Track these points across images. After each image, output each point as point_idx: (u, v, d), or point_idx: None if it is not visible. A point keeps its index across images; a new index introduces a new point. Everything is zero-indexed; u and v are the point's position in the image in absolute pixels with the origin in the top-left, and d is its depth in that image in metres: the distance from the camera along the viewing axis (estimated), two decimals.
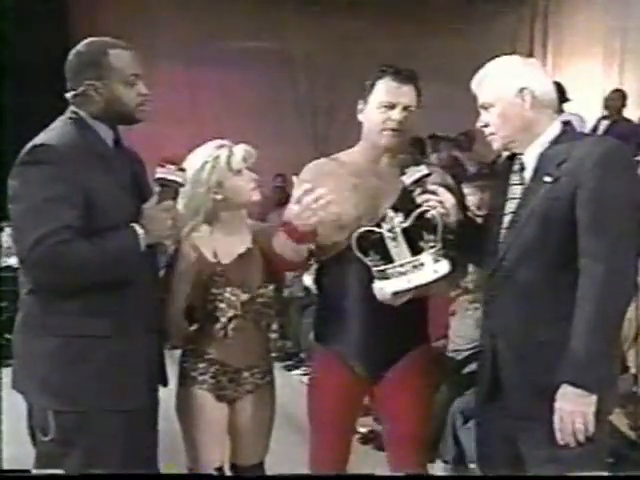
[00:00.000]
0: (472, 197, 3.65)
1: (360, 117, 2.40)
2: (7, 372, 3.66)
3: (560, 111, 5.90)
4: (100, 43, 2.17)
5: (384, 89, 2.33)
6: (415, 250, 2.13)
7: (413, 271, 2.11)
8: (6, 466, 2.87)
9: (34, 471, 2.11)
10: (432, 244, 2.11)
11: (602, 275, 1.91)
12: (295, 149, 8.11)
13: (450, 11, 9.02)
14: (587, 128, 6.22)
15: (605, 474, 2.02)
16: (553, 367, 1.95)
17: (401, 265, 2.12)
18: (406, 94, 2.33)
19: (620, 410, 3.29)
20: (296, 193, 2.20)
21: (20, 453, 2.64)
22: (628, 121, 6.49)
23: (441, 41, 8.96)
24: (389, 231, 2.15)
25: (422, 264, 2.10)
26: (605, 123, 6.46)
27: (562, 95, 6.16)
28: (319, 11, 9.25)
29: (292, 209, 2.20)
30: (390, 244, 2.14)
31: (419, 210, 2.16)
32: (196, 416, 2.35)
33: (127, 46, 2.18)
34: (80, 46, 2.17)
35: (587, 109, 6.65)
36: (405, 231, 2.15)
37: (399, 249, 2.14)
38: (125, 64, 2.14)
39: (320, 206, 2.16)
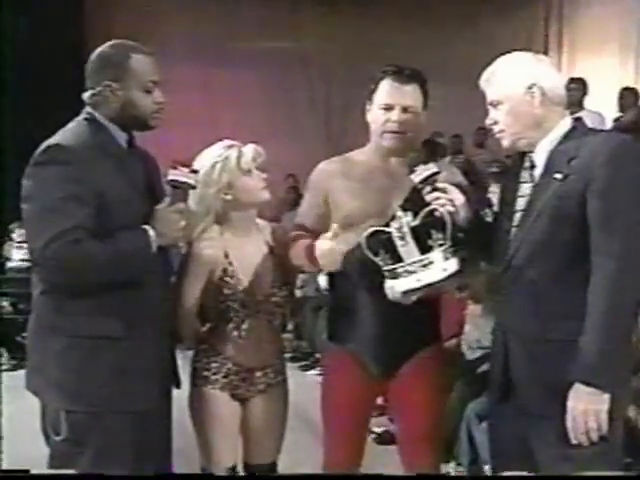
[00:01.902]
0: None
1: (367, 118, 2.40)
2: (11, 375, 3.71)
3: (580, 107, 5.89)
4: (124, 46, 2.18)
5: (385, 90, 2.33)
6: (424, 249, 2.12)
7: (422, 270, 2.09)
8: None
9: (33, 471, 2.13)
10: (441, 242, 2.09)
11: (614, 272, 1.89)
12: (310, 149, 8.14)
13: (464, 9, 8.99)
14: (606, 126, 6.17)
15: (611, 474, 1.99)
16: (565, 365, 1.93)
17: (410, 264, 2.10)
18: (407, 95, 2.32)
19: (637, 409, 3.25)
20: (328, 234, 2.20)
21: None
22: None
23: (456, 40, 8.94)
24: (397, 230, 2.14)
25: (431, 263, 2.08)
26: None
27: (584, 92, 6.13)
28: (333, 11, 9.26)
29: (320, 244, 2.20)
30: (398, 243, 2.13)
31: (427, 209, 2.14)
32: (209, 415, 2.36)
33: (149, 52, 2.19)
34: (103, 47, 2.19)
35: (603, 106, 6.59)
36: (414, 230, 2.14)
37: (407, 248, 2.12)
38: (145, 69, 2.15)
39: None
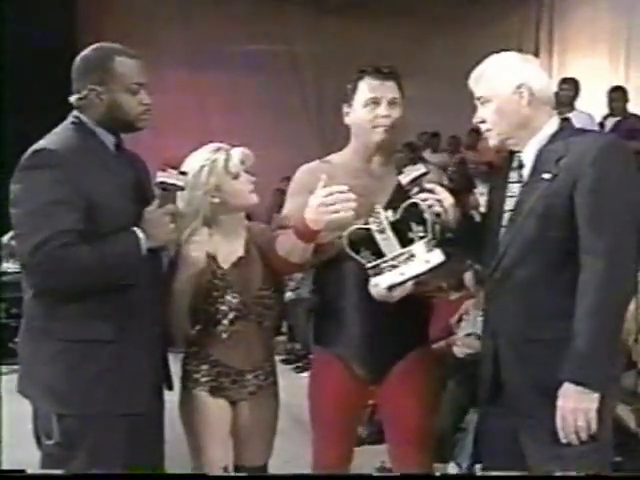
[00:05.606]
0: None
1: (347, 120, 2.41)
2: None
3: (572, 108, 5.93)
4: (107, 49, 2.18)
5: (367, 87, 2.34)
6: (406, 243, 2.11)
7: (405, 263, 2.07)
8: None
9: (30, 470, 2.12)
10: (422, 234, 2.08)
11: (602, 271, 1.90)
12: (302, 152, 8.13)
13: (455, 11, 9.02)
14: (596, 126, 6.20)
15: (606, 474, 2.00)
16: (554, 365, 1.94)
17: (392, 258, 2.09)
18: (390, 89, 2.33)
19: (627, 407, 3.27)
20: (318, 192, 2.10)
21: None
22: (635, 117, 6.43)
23: (446, 41, 8.97)
24: (377, 225, 2.13)
25: (413, 255, 2.07)
26: (612, 120, 6.41)
27: (576, 92, 6.18)
28: (324, 12, 9.28)
29: (310, 205, 2.11)
30: (379, 238, 2.12)
31: (407, 202, 2.14)
32: (199, 418, 2.36)
33: (134, 54, 2.19)
34: (88, 50, 2.19)
35: (594, 106, 6.62)
36: (394, 225, 2.12)
37: (388, 242, 2.11)
38: (129, 72, 2.15)
39: (343, 204, 2.08)
